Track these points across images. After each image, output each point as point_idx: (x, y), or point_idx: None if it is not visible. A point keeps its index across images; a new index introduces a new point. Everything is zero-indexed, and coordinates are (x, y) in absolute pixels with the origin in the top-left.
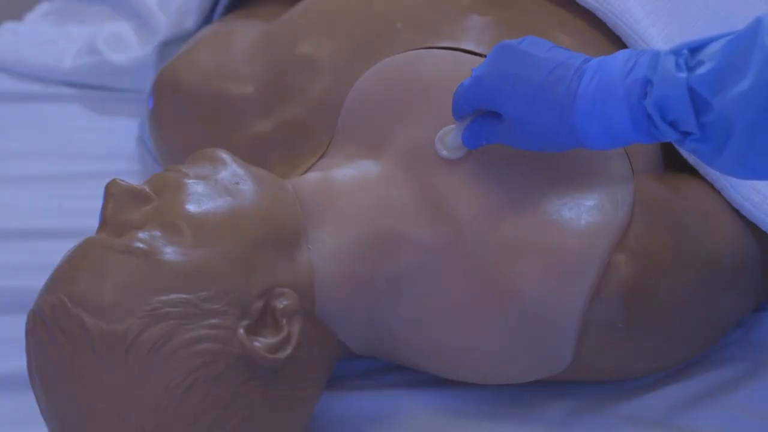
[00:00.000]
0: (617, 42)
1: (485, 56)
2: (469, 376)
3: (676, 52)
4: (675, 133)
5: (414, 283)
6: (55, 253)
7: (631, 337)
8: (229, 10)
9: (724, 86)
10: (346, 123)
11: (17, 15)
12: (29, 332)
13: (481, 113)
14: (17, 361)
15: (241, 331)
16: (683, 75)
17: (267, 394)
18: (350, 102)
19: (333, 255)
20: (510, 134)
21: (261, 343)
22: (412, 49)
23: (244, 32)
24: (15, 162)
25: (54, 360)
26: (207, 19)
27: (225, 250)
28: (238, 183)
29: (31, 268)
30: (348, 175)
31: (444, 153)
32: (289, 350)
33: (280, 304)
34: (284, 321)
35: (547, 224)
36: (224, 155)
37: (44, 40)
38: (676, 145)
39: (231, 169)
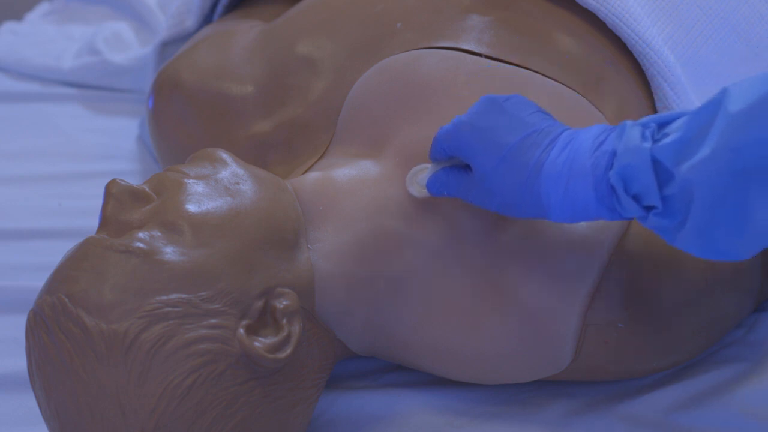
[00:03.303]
0: (617, 42)
1: (485, 56)
2: (469, 376)
3: (643, 124)
4: (638, 208)
5: (414, 283)
6: (55, 253)
7: (631, 337)
8: (229, 10)
9: (687, 155)
10: (346, 123)
11: (17, 15)
12: (29, 332)
13: (454, 162)
14: (17, 361)
15: (241, 331)
16: (647, 145)
17: (267, 394)
18: (350, 102)
19: (333, 255)
20: (475, 191)
21: (261, 343)
22: (412, 49)
23: (244, 32)
24: (15, 162)
25: (54, 360)
26: (207, 19)
27: (225, 250)
28: (238, 183)
29: (31, 268)
30: (348, 175)
31: (411, 190)
32: (289, 350)
33: (280, 304)
34: (284, 321)
35: (546, 227)
36: (224, 155)
37: (44, 40)
38: (640, 222)
39: (231, 169)
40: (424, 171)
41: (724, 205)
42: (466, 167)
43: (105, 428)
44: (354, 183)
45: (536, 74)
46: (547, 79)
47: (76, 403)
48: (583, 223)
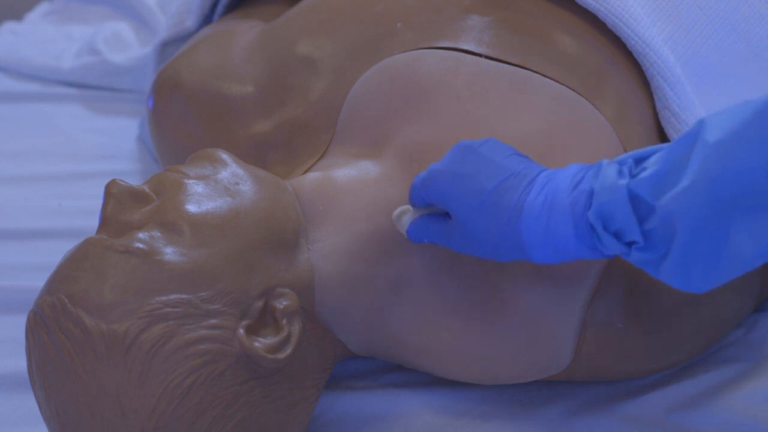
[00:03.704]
0: (617, 42)
1: (485, 56)
2: (469, 376)
3: (620, 162)
4: (619, 245)
5: (413, 283)
6: (55, 253)
7: (631, 337)
8: (229, 10)
9: (666, 187)
10: (346, 123)
11: (17, 15)
12: (29, 332)
13: (434, 210)
14: (17, 361)
15: (241, 331)
16: (623, 181)
17: (267, 394)
18: (350, 102)
19: (333, 255)
20: (455, 237)
21: (261, 343)
22: (412, 50)
23: (244, 32)
24: (15, 162)
25: (54, 360)
26: (207, 19)
27: (225, 250)
28: (238, 183)
29: (31, 268)
30: (348, 175)
31: (400, 230)
32: (289, 350)
33: (280, 304)
34: (284, 321)
35: None
36: (224, 155)
37: (44, 40)
38: (623, 257)
39: (231, 170)
40: (406, 214)
41: (706, 236)
42: (446, 214)
43: (105, 428)
44: (354, 183)
45: (536, 74)
46: (547, 79)
47: (76, 403)
48: None
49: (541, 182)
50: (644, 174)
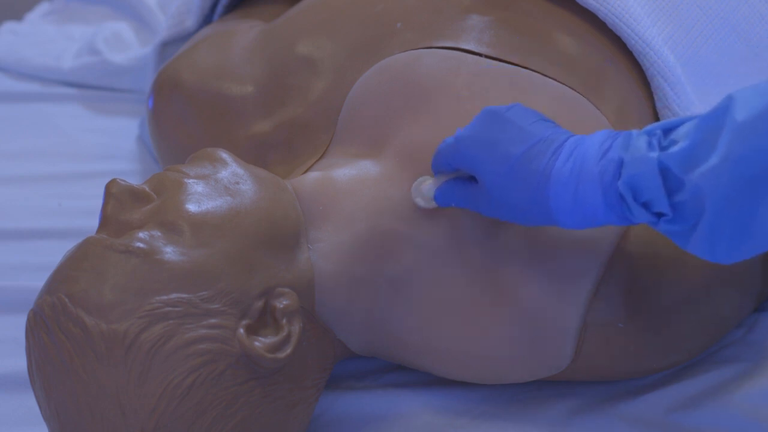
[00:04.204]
0: (617, 42)
1: (485, 56)
2: (469, 376)
3: (648, 132)
4: (648, 215)
5: (414, 283)
6: (55, 253)
7: (631, 337)
8: (229, 10)
9: (696, 163)
10: (346, 123)
11: (17, 15)
12: (29, 332)
13: (459, 174)
14: (17, 361)
15: (241, 330)
16: (654, 154)
17: (267, 394)
18: (350, 102)
19: (333, 255)
20: (482, 201)
21: (261, 342)
22: (413, 49)
23: (244, 32)
24: (15, 162)
25: (54, 360)
26: (207, 19)
27: (225, 249)
28: (238, 183)
29: (31, 268)
30: (348, 174)
31: (419, 201)
32: (288, 350)
33: (280, 303)
34: (284, 321)
35: (546, 226)
36: (224, 155)
37: (44, 40)
38: (651, 227)
39: (231, 169)
40: (428, 182)
41: (733, 212)
42: (471, 178)
43: (105, 428)
44: (354, 183)
45: (536, 74)
46: (548, 79)
47: (76, 403)
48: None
49: (569, 148)
50: (674, 148)
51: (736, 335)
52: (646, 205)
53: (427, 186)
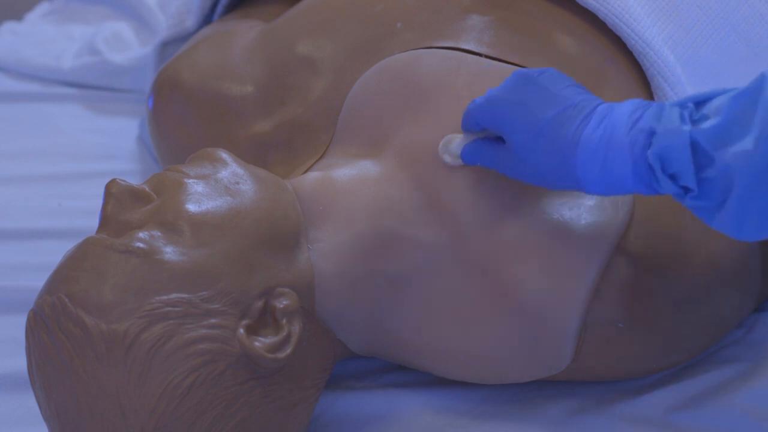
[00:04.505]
0: (617, 42)
1: (485, 56)
2: (469, 376)
3: (681, 105)
4: (675, 187)
5: (414, 283)
6: (55, 253)
7: (631, 337)
8: (229, 10)
9: (728, 141)
10: (346, 123)
11: (17, 15)
12: (29, 332)
13: (487, 134)
14: (17, 361)
15: (241, 330)
16: (687, 128)
17: (267, 394)
18: (350, 102)
19: (333, 255)
20: (509, 163)
21: (261, 342)
22: (413, 49)
23: (244, 32)
24: (15, 162)
25: (54, 360)
26: (207, 19)
27: (225, 249)
28: (238, 183)
29: (31, 268)
30: (348, 174)
31: (446, 158)
32: (288, 350)
33: (280, 303)
34: (284, 321)
35: (547, 224)
36: (224, 155)
37: (44, 40)
38: (677, 200)
39: (231, 169)
40: (456, 140)
41: (762, 192)
42: (499, 139)
43: (105, 428)
44: (354, 183)
45: None
46: None
47: (76, 403)
48: (583, 224)
49: (599, 115)
50: (706, 124)
51: (736, 335)
52: (673, 177)
53: (455, 144)
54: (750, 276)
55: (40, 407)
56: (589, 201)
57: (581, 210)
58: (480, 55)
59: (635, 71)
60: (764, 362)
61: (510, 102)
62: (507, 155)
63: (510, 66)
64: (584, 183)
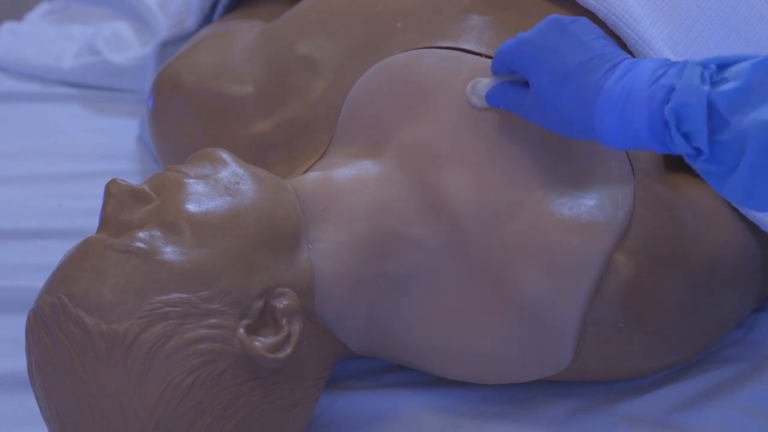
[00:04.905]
0: (618, 42)
1: (485, 56)
2: (469, 376)
3: (703, 65)
4: (688, 147)
5: (414, 283)
6: (55, 253)
7: (631, 337)
8: (229, 10)
9: (744, 107)
10: (346, 123)
11: (17, 15)
12: (29, 332)
13: (515, 77)
14: (17, 361)
15: (241, 330)
16: (706, 87)
17: (267, 394)
18: (350, 102)
19: (333, 255)
20: (531, 107)
21: (261, 342)
22: (413, 49)
23: (244, 32)
24: (15, 162)
25: (54, 360)
26: (207, 19)
27: (225, 249)
28: (238, 183)
29: (31, 268)
30: (348, 174)
31: (473, 99)
32: (289, 350)
33: (280, 303)
34: (284, 321)
35: (547, 224)
36: (224, 155)
37: (44, 40)
38: (689, 162)
39: (231, 169)
40: (483, 82)
41: None
42: (525, 83)
43: (105, 428)
44: (354, 183)
45: None
46: None
47: (76, 403)
48: (582, 222)
49: (624, 69)
50: (726, 87)
51: (736, 335)
52: (686, 136)
53: (482, 85)
54: (750, 276)
55: (40, 407)
56: (589, 201)
57: (581, 210)
58: (480, 55)
59: None
60: (764, 362)
61: (539, 46)
62: (530, 99)
63: None
64: (601, 134)
